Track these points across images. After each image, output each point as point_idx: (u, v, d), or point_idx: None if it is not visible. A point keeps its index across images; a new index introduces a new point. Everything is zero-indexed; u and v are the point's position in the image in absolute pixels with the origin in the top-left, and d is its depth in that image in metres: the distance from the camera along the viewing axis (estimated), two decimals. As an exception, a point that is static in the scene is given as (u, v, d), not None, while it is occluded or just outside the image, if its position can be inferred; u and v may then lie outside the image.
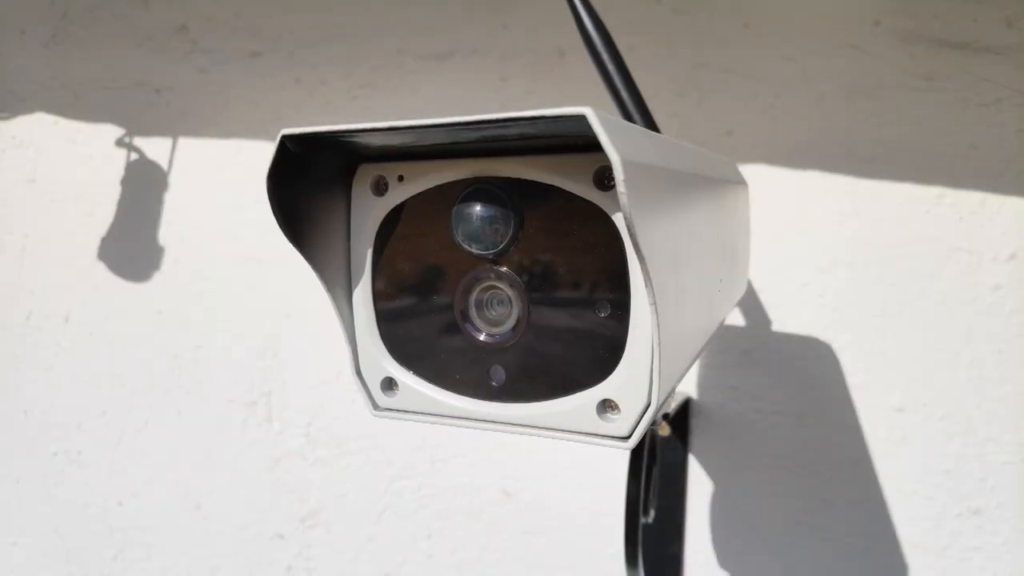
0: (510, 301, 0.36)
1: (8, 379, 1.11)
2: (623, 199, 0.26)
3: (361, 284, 0.38)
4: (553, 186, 0.34)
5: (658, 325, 0.29)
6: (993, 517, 0.76)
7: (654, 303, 0.29)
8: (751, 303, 0.82)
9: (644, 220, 0.27)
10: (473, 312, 0.37)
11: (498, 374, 0.36)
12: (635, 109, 0.66)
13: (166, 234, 1.04)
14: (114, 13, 1.08)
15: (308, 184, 0.36)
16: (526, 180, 0.34)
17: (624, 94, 0.66)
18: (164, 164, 1.06)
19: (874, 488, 0.79)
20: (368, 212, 0.38)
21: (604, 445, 0.33)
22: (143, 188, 1.05)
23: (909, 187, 0.80)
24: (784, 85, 0.83)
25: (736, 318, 0.82)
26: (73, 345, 1.08)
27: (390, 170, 0.37)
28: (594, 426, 0.34)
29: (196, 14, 1.04)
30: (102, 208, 1.08)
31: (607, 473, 0.85)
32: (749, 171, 0.83)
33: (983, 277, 0.78)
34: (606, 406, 0.34)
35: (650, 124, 0.66)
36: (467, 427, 0.36)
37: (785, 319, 0.81)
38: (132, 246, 1.05)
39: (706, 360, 0.83)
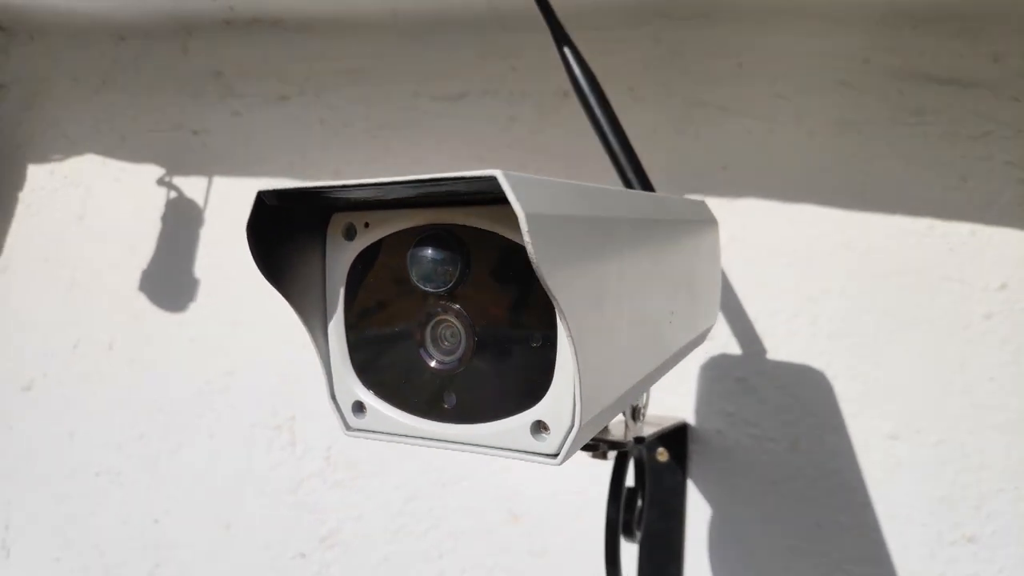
0: (460, 333, 0.40)
1: (57, 403, 1.18)
2: (529, 248, 0.30)
3: (335, 318, 0.43)
4: (494, 232, 0.38)
5: (575, 355, 0.33)
6: (988, 544, 0.77)
7: (570, 336, 0.33)
8: (746, 332, 0.85)
9: (554, 264, 0.31)
10: (429, 342, 0.41)
11: (450, 398, 0.41)
12: (624, 157, 0.70)
13: (201, 267, 1.11)
14: (156, 61, 1.17)
15: (290, 230, 0.41)
16: (471, 227, 0.38)
17: (613, 141, 0.70)
18: (200, 201, 1.13)
19: (869, 514, 0.80)
20: (340, 254, 0.43)
21: (537, 462, 0.37)
22: (181, 224, 1.13)
23: (900, 219, 0.82)
24: (777, 121, 0.86)
25: (732, 346, 0.85)
26: (115, 371, 1.15)
27: (358, 218, 0.42)
28: (529, 445, 0.38)
29: (230, 61, 1.12)
30: (144, 243, 1.15)
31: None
32: (744, 204, 0.86)
33: (975, 306, 0.79)
34: (539, 427, 0.38)
35: (637, 168, 0.70)
36: (425, 446, 0.40)
37: (779, 347, 0.84)
38: (170, 278, 1.12)
39: (702, 387, 0.85)
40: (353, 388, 0.43)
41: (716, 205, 0.87)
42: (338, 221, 0.43)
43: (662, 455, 0.84)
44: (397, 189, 0.35)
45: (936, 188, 0.81)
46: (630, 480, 0.71)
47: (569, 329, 0.33)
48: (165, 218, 1.15)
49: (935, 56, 0.82)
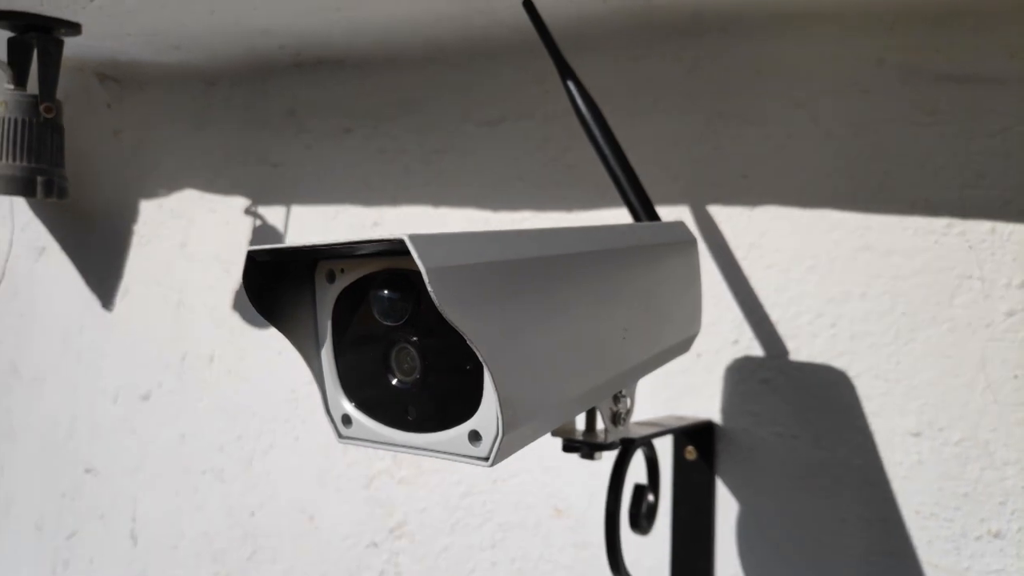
0: (415, 358, 0.48)
1: (169, 410, 1.35)
2: (433, 296, 0.37)
3: (326, 346, 0.52)
4: (436, 276, 0.45)
5: (491, 377, 0.40)
6: (1014, 540, 0.77)
7: (484, 361, 0.40)
8: (769, 335, 0.88)
9: (460, 307, 0.38)
10: (393, 365, 0.49)
11: (411, 411, 0.49)
12: (627, 182, 0.75)
13: (282, 286, 1.23)
14: (242, 102, 1.31)
15: (285, 275, 0.50)
16: (419, 271, 0.46)
17: (616, 168, 0.76)
18: (281, 227, 1.26)
19: (892, 510, 0.82)
20: (325, 295, 0.52)
21: (474, 464, 0.44)
22: (265, 248, 1.26)
23: (918, 219, 0.83)
24: (794, 127, 0.88)
25: (755, 349, 0.89)
26: (216, 381, 1.30)
27: (336, 265, 0.51)
28: (468, 450, 0.45)
29: (302, 100, 1.24)
30: (235, 266, 1.29)
31: (642, 492, 0.93)
32: (763, 211, 0.89)
33: (996, 304, 0.79)
34: (475, 436, 0.45)
35: (639, 192, 0.75)
36: (396, 451, 0.48)
37: (801, 349, 0.87)
38: (257, 297, 1.25)
39: (728, 388, 0.89)
40: (342, 403, 0.52)
41: (736, 213, 0.90)
42: (322, 267, 0.52)
43: (690, 453, 0.89)
44: (358, 247, 0.43)
45: (954, 187, 0.82)
46: (642, 478, 0.77)
47: (482, 356, 0.40)
48: (252, 243, 1.28)
49: (949, 54, 0.82)
